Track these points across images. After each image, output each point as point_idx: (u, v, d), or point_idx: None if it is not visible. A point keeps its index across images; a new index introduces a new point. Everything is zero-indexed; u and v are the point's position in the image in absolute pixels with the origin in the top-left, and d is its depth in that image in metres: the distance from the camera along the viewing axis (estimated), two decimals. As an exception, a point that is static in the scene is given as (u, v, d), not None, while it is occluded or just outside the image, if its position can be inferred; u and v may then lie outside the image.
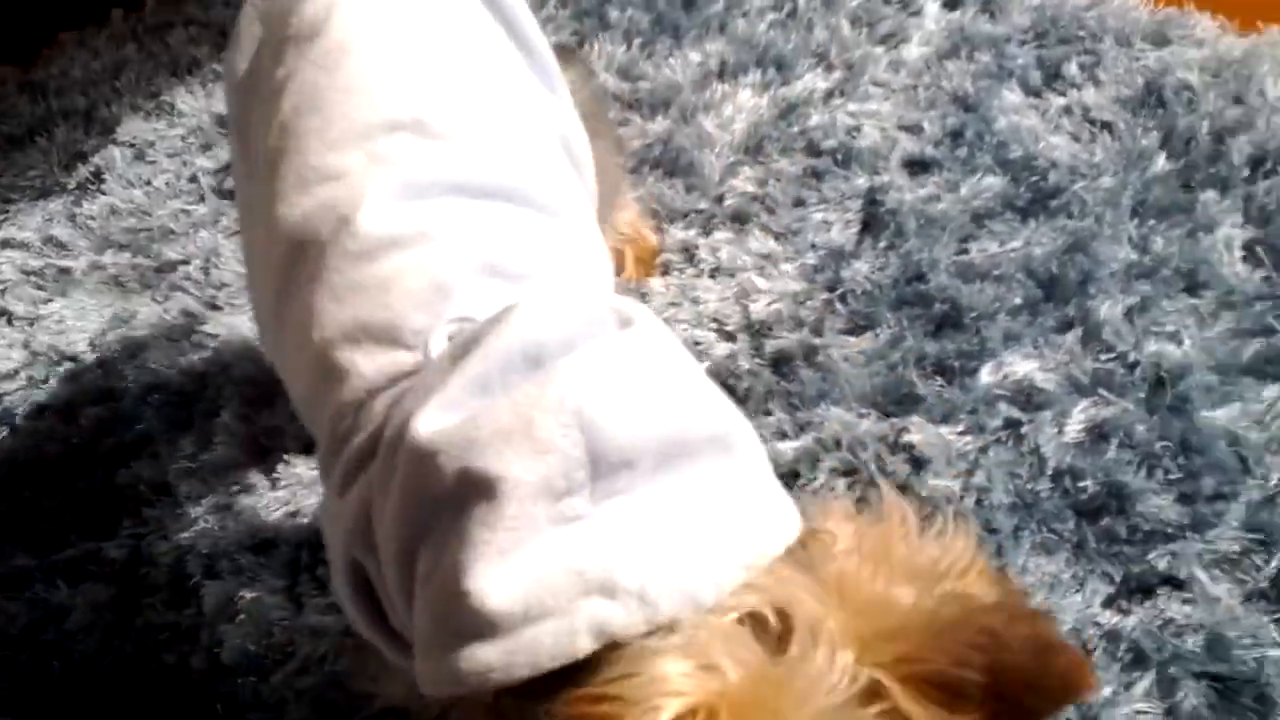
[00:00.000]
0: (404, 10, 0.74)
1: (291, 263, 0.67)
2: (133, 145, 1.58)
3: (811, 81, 1.38)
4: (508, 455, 0.51)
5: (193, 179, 1.49)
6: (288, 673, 0.93)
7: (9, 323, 1.35)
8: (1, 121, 1.72)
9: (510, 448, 0.51)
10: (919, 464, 0.97)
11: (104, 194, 1.50)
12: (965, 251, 1.13)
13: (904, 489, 0.94)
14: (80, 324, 1.32)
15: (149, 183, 1.51)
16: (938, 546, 0.54)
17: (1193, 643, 0.83)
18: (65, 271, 1.40)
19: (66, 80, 1.78)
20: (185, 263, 1.36)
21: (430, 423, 0.53)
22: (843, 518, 0.56)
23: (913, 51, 1.39)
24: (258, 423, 1.13)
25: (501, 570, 0.50)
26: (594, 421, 0.51)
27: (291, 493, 1.06)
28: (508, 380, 0.54)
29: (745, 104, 1.37)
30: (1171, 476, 0.92)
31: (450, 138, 0.69)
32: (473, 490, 0.51)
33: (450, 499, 0.52)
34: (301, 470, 1.07)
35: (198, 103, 1.63)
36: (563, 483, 0.51)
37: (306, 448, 1.08)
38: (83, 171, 1.56)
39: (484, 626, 0.49)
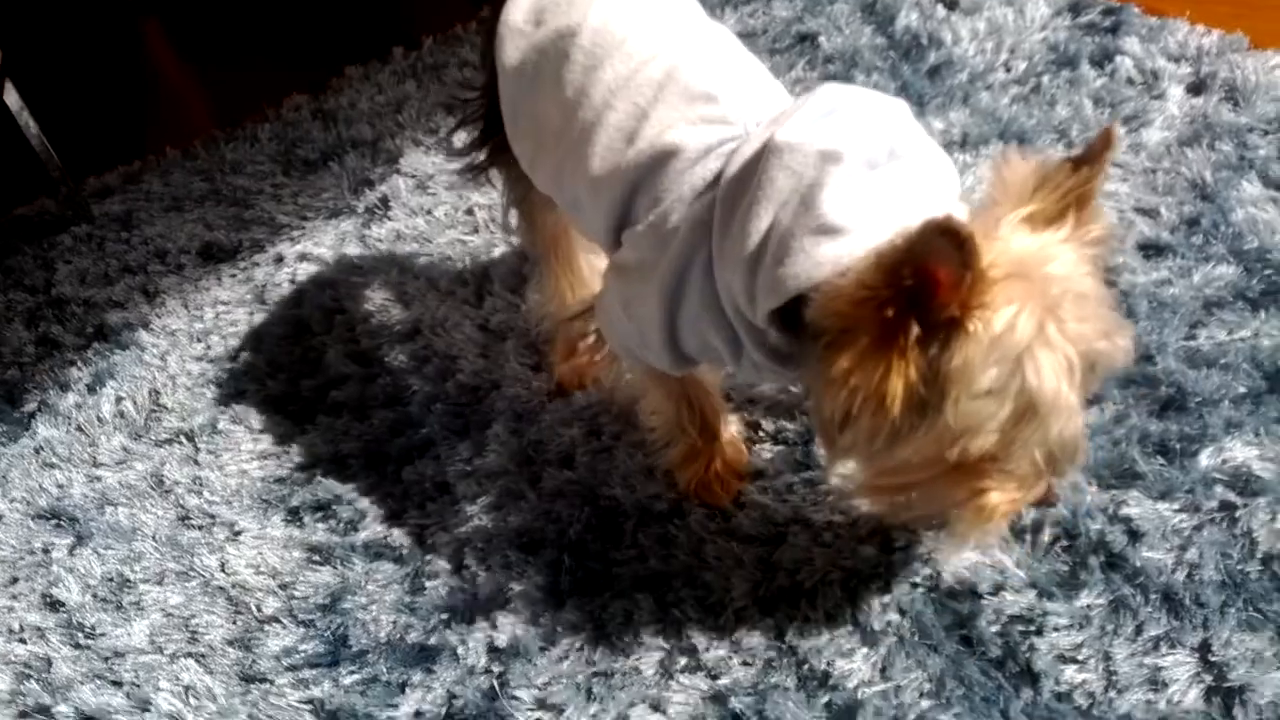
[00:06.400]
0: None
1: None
2: (414, 176, 1.77)
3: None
4: (848, 139, 0.85)
5: (469, 211, 1.67)
6: (551, 659, 1.08)
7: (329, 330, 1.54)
8: (298, 146, 1.95)
9: (849, 135, 0.86)
10: (1135, 535, 1.03)
11: (390, 219, 1.70)
12: (1194, 337, 1.19)
13: (1118, 557, 1.01)
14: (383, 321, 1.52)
15: (429, 212, 1.69)
16: None
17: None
18: (359, 285, 1.59)
19: (354, 111, 2.00)
20: (465, 284, 1.53)
21: (788, 135, 0.86)
22: None
23: (1154, 135, 1.45)
24: (525, 436, 1.29)
25: (844, 200, 0.84)
26: (888, 123, 0.89)
27: (551, 502, 1.21)
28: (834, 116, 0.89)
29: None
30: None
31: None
32: (828, 159, 0.84)
33: (812, 168, 0.85)
34: (560, 482, 1.22)
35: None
36: (874, 158, 0.86)
37: (565, 460, 1.23)
38: (370, 197, 1.76)
39: (832, 229, 0.83)
